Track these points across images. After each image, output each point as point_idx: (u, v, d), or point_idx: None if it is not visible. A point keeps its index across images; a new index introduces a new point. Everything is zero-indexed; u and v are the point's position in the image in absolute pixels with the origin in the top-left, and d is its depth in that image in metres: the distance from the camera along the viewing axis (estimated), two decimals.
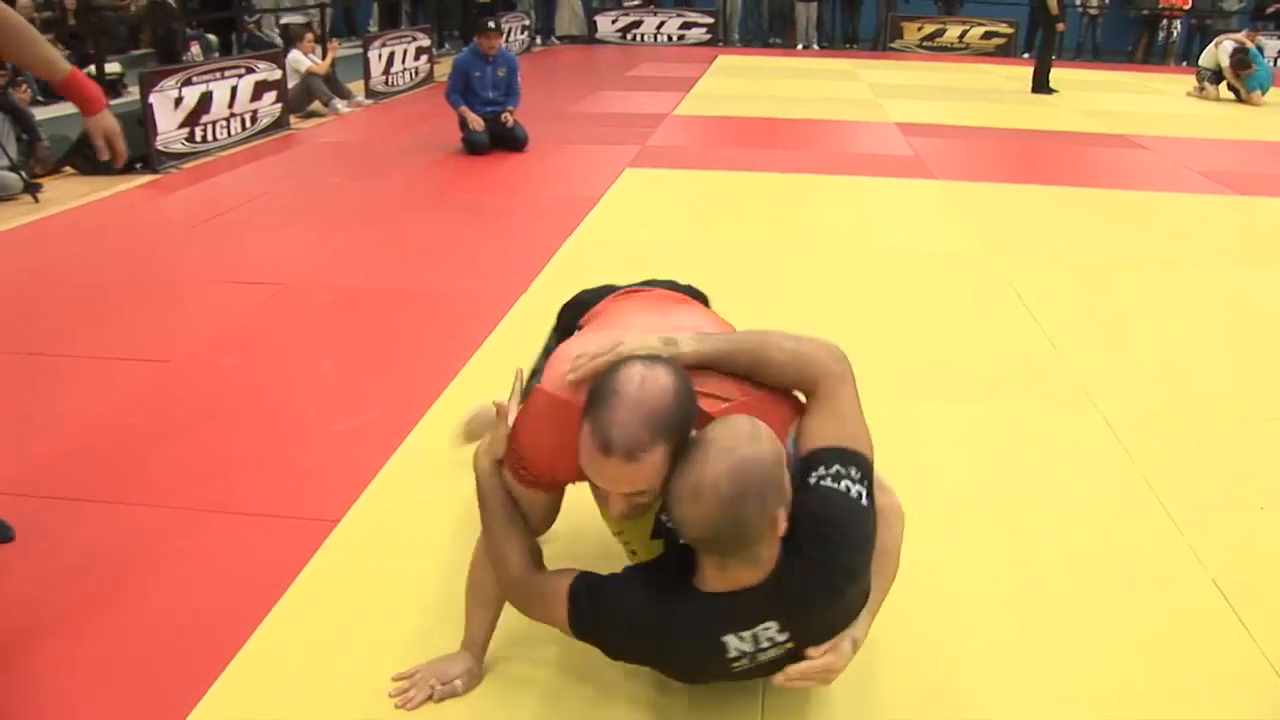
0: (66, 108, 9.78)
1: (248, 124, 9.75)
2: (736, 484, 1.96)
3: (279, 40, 14.38)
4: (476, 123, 9.01)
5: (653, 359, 2.07)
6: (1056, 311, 5.34)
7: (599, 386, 2.03)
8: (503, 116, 9.14)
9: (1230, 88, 15.04)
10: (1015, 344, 4.94)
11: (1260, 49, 15.45)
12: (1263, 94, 14.79)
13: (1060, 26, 15.21)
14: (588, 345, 2.18)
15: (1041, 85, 15.13)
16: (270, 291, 5.38)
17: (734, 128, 11.20)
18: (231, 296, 5.33)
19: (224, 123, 9.32)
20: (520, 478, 2.29)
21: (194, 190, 7.87)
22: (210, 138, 9.11)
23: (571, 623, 2.22)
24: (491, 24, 9.21)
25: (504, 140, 9.21)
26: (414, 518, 3.25)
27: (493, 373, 4.25)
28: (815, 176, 8.40)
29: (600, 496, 2.20)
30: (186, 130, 8.76)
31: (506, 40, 16.72)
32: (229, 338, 4.79)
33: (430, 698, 2.44)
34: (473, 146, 9.08)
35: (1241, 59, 14.75)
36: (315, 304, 5.27)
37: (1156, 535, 3.34)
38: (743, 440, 2.00)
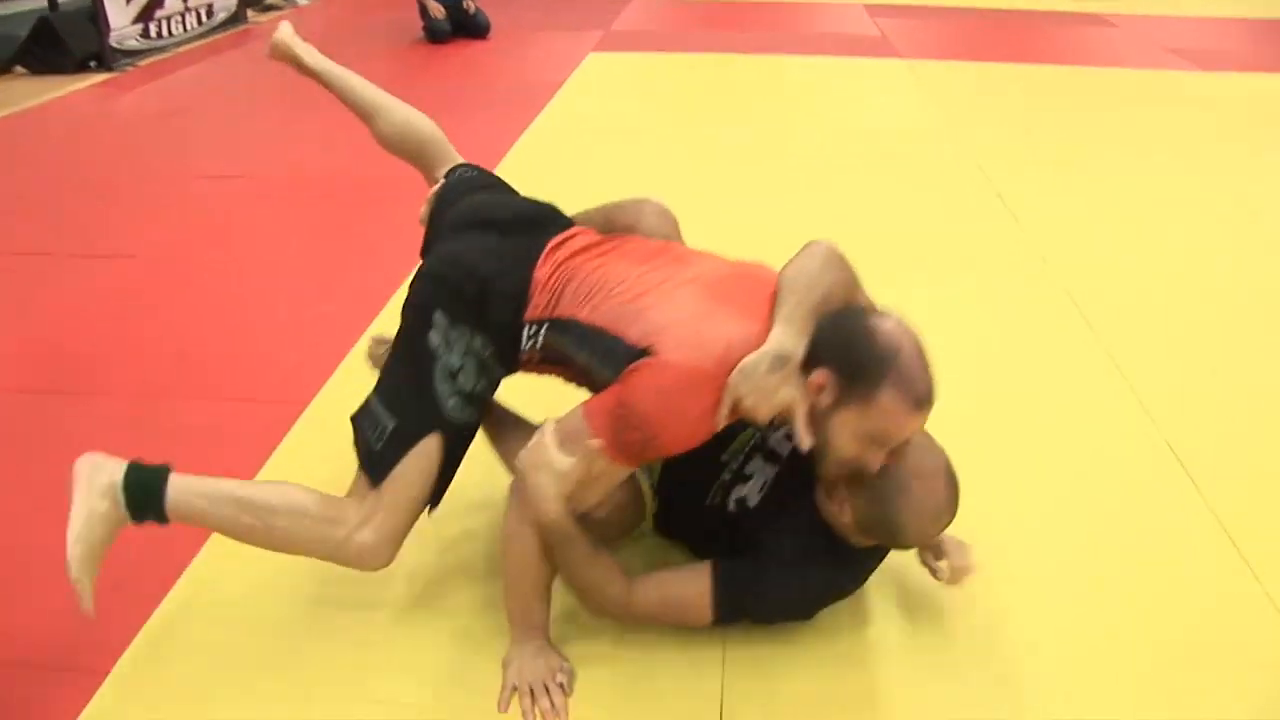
0: (13, 6, 9.60)
1: (203, 19, 9.54)
2: (955, 482, 2.20)
3: None
4: (437, 10, 8.88)
5: (871, 310, 2.18)
6: (1018, 185, 5.37)
7: (869, 352, 2.00)
8: (464, 3, 9.02)
9: None
10: (979, 219, 4.97)
11: None
12: None
13: None
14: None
15: None
16: (234, 184, 5.35)
17: (700, 10, 11.04)
18: (196, 191, 5.29)
19: (179, 18, 9.12)
20: (638, 458, 2.13)
21: (152, 87, 7.74)
22: (165, 33, 8.92)
23: (718, 619, 2.27)
24: None
25: (465, 27, 9.09)
26: None
27: None
28: (780, 57, 8.32)
29: (866, 451, 2.08)
30: (140, 26, 8.57)
31: None
32: (194, 231, 4.77)
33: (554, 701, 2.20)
34: (434, 35, 8.96)
35: None
36: (279, 194, 5.25)
37: (1114, 400, 3.42)
38: (930, 447, 2.20)
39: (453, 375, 2.26)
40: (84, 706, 2.15)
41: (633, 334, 2.09)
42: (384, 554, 2.28)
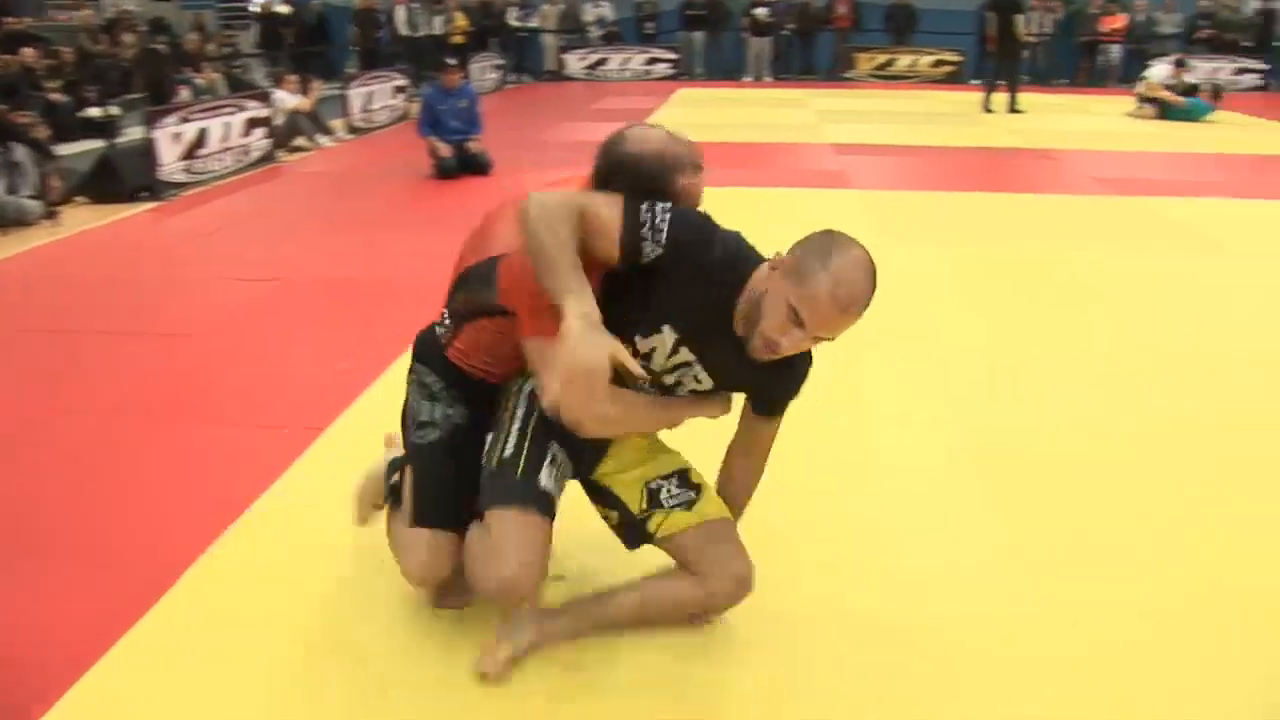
0: (76, 146, 10.89)
1: (240, 157, 10.84)
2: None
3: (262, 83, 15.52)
4: (444, 150, 10.13)
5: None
6: (919, 272, 6.41)
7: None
8: (468, 144, 10.27)
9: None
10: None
11: (1196, 87, 16.48)
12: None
13: (1025, 54, 16.57)
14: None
15: (1014, 106, 16.42)
16: (268, 285, 6.46)
17: None
18: (236, 290, 6.41)
19: (219, 155, 10.42)
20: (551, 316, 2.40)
21: (195, 211, 8.97)
22: (207, 169, 10.19)
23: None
24: (451, 61, 10.56)
25: (471, 165, 10.29)
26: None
27: None
28: (745, 189, 9.39)
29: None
30: (186, 162, 9.84)
31: (480, 78, 17.91)
32: (239, 317, 5.89)
33: None
34: (443, 171, 10.17)
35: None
36: (305, 292, 6.35)
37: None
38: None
39: (415, 420, 2.98)
40: None
41: (484, 255, 2.82)
42: (413, 565, 2.94)
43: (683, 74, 23.45)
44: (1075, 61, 22.95)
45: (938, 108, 17.44)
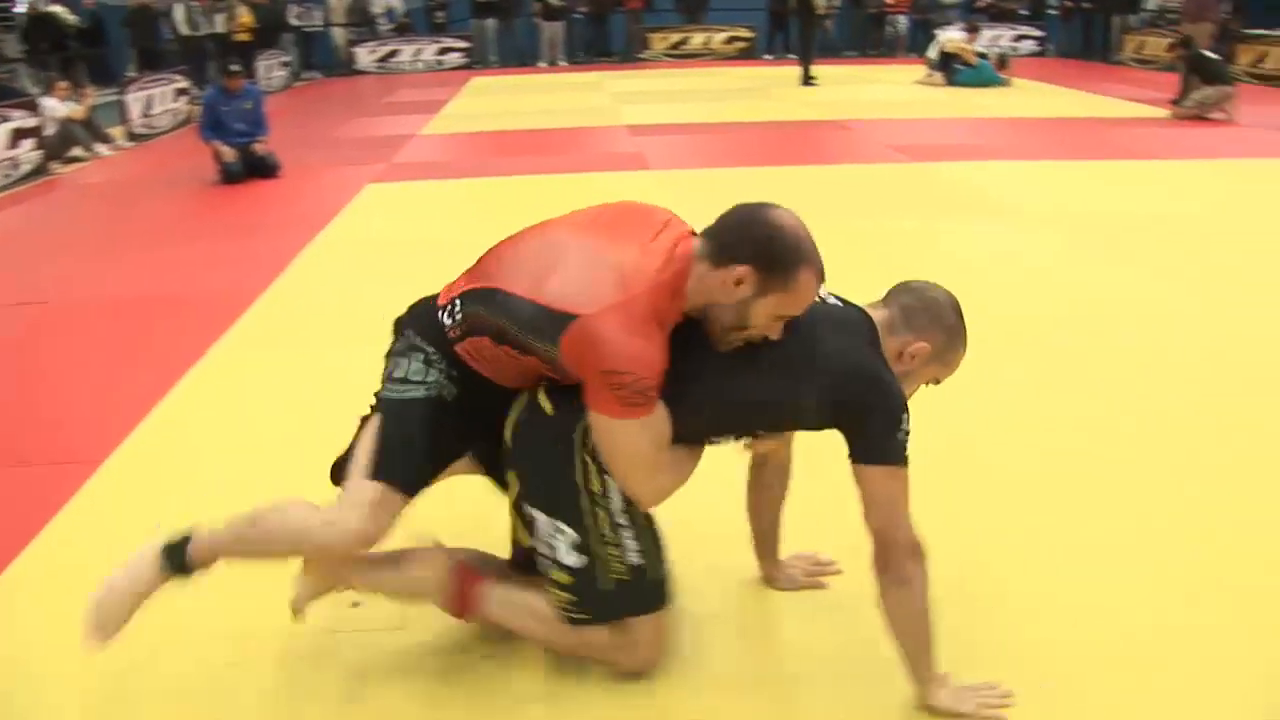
0: None
1: (9, 171, 10.21)
2: None
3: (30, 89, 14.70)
4: (228, 154, 9.69)
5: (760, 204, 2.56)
6: None
7: (783, 244, 2.43)
8: (253, 147, 9.85)
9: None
10: None
11: (984, 55, 16.94)
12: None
13: (828, 25, 16.61)
14: None
15: (807, 78, 16.54)
16: (37, 309, 6.04)
17: (475, 142, 12.11)
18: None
19: None
20: (647, 399, 2.38)
21: None
22: None
23: None
24: (233, 67, 10.21)
25: (257, 168, 9.88)
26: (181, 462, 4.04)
27: (244, 350, 5.15)
28: (540, 177, 9.23)
29: (773, 326, 2.46)
30: None
31: (267, 77, 17.38)
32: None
33: None
34: (228, 176, 9.73)
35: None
36: (80, 314, 5.94)
37: None
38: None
39: (393, 375, 2.66)
40: None
41: (547, 298, 2.38)
42: (350, 520, 2.56)
43: (476, 63, 23.19)
44: (864, 33, 23.47)
45: (733, 84, 17.59)
